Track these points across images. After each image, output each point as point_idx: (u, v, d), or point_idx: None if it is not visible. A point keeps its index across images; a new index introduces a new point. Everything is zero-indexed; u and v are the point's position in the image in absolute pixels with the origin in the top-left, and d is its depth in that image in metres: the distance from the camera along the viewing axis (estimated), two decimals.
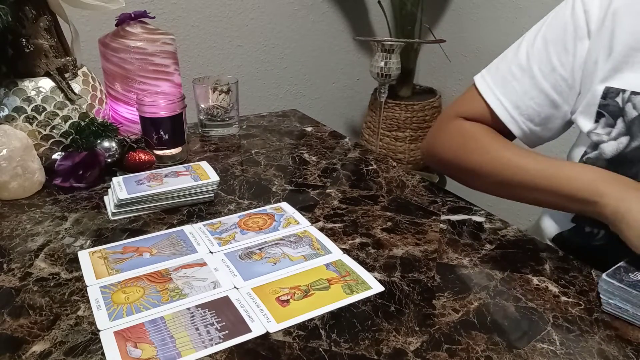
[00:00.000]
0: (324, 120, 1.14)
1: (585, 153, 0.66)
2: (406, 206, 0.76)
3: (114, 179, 0.77)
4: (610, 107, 0.63)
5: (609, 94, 0.63)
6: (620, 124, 0.62)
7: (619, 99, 0.62)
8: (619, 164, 0.62)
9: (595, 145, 0.65)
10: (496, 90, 0.72)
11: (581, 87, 0.67)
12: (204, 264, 0.62)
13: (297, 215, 0.73)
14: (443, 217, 0.73)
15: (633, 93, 0.61)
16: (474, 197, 0.81)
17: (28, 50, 0.81)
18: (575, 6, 0.66)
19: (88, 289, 0.58)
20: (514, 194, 0.68)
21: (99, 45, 0.96)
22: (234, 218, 0.72)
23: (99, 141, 0.84)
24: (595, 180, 0.60)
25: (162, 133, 0.87)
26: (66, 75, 0.85)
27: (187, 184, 0.75)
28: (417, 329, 0.52)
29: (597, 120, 0.65)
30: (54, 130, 0.84)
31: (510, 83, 0.71)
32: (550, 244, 0.76)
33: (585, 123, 0.66)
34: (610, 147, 0.63)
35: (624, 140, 0.62)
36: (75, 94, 0.85)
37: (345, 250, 0.65)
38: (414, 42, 1.99)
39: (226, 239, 0.67)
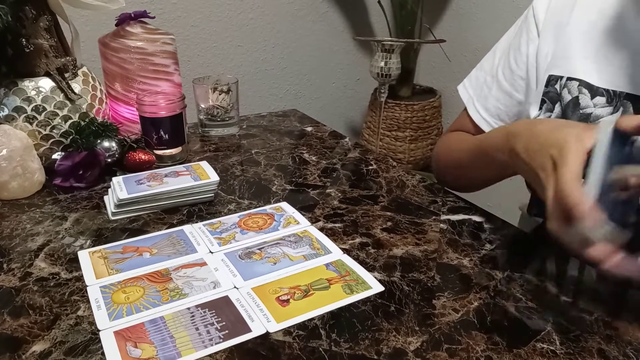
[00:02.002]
0: (324, 120, 1.14)
1: None
2: (406, 206, 0.76)
3: (114, 179, 0.77)
4: (550, 94, 0.69)
5: (551, 81, 0.69)
6: (557, 108, 0.68)
7: (557, 86, 0.68)
8: None
9: None
10: (475, 99, 0.81)
11: (536, 82, 0.73)
12: (204, 263, 0.62)
13: (297, 215, 0.73)
14: (443, 217, 0.73)
15: (569, 79, 0.67)
16: (474, 197, 0.81)
17: (28, 50, 0.81)
18: (528, 14, 0.75)
19: (88, 288, 0.58)
20: (474, 176, 0.76)
21: (99, 45, 0.96)
22: (234, 218, 0.72)
23: (99, 141, 0.84)
24: (502, 132, 0.64)
25: (162, 133, 0.87)
26: (66, 75, 0.85)
27: (187, 183, 0.75)
28: (417, 328, 0.52)
29: (541, 107, 0.70)
30: (54, 130, 0.84)
31: (484, 91, 0.80)
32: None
33: (532, 110, 0.72)
34: None
35: None
36: (75, 93, 0.85)
37: (345, 250, 0.65)
38: (414, 42, 1.99)
39: (226, 239, 0.67)
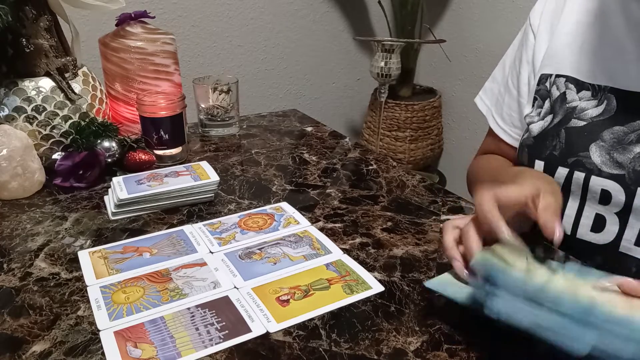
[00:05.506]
0: (324, 120, 1.14)
1: (523, 136, 0.73)
2: (406, 206, 0.76)
3: (114, 179, 0.77)
4: (541, 91, 0.71)
5: (542, 79, 0.71)
6: (547, 104, 0.70)
7: (547, 83, 0.70)
8: (541, 139, 0.69)
9: (528, 127, 0.72)
10: (493, 111, 0.83)
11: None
12: (204, 263, 0.62)
13: (297, 215, 0.73)
14: (443, 217, 0.73)
15: (557, 76, 0.69)
16: None
17: (28, 50, 0.81)
18: (527, 24, 0.78)
19: (88, 288, 0.58)
20: None
21: (99, 45, 0.96)
22: (234, 218, 0.72)
23: (99, 141, 0.84)
24: (511, 174, 0.66)
25: (162, 133, 0.87)
26: (66, 75, 0.85)
27: (187, 183, 0.75)
28: (417, 328, 0.52)
29: (533, 105, 0.73)
30: (54, 130, 0.84)
31: (499, 101, 0.82)
32: None
33: (526, 109, 0.74)
34: (537, 126, 0.70)
35: (548, 118, 0.69)
36: (75, 93, 0.85)
37: (345, 250, 0.65)
38: (414, 42, 1.99)
39: (226, 239, 0.67)
